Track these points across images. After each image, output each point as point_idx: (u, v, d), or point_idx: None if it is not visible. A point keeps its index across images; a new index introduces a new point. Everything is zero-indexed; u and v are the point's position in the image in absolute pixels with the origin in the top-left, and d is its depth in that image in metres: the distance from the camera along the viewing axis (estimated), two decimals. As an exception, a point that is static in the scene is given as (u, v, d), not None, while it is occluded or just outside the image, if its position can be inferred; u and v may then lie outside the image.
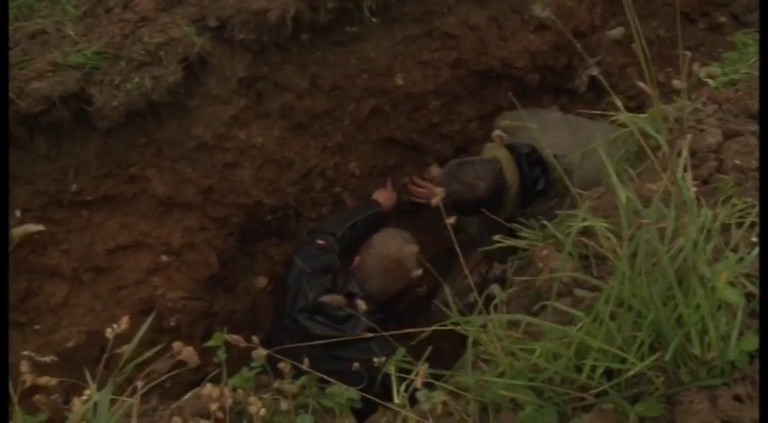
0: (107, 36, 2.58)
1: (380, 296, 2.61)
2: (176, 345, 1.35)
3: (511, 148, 2.85)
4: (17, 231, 1.12)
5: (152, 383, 1.37)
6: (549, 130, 2.94)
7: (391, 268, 2.62)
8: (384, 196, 3.24)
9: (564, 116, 3.23)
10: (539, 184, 2.80)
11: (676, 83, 1.26)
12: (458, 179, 2.78)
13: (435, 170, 3.32)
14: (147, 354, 1.32)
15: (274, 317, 2.87)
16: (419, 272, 1.99)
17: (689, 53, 1.24)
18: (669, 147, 1.26)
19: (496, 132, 2.80)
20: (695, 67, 1.35)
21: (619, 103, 1.57)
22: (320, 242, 2.86)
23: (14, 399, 1.21)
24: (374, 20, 2.86)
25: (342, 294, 2.46)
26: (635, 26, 1.10)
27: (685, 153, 1.35)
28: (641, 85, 1.17)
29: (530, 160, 2.81)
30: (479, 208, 2.73)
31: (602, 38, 3.48)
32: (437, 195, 1.52)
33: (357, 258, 2.74)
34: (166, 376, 1.49)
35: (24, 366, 1.21)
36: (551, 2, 3.22)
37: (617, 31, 3.36)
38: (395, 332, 1.53)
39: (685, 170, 1.36)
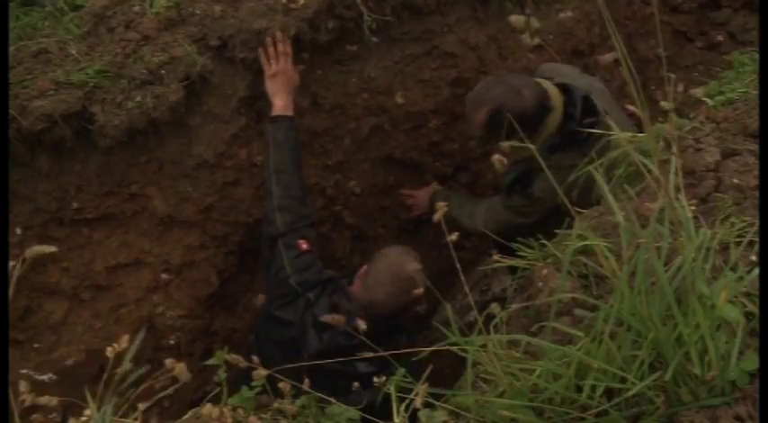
0: (109, 55, 2.60)
1: (380, 310, 2.49)
2: (169, 361, 1.35)
3: (564, 87, 2.66)
4: (29, 252, 1.12)
5: (150, 402, 1.36)
6: (597, 96, 2.74)
7: (402, 278, 2.45)
8: (280, 100, 2.70)
9: (608, 91, 3.07)
10: (583, 133, 2.55)
11: (663, 104, 1.27)
12: (503, 82, 2.59)
13: (436, 187, 3.33)
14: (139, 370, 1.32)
15: (268, 330, 2.64)
16: (421, 290, 1.94)
17: (673, 75, 1.25)
18: (664, 167, 1.26)
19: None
20: (690, 86, 1.36)
21: (614, 124, 1.58)
22: (305, 246, 2.61)
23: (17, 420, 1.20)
24: (374, 39, 2.88)
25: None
26: (622, 51, 1.11)
27: (672, 172, 1.35)
28: (631, 108, 1.18)
29: (585, 105, 2.60)
30: (519, 125, 2.48)
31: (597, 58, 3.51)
32: (439, 211, 1.51)
33: (362, 269, 2.59)
34: (164, 394, 1.49)
35: (23, 386, 1.21)
36: (550, 22, 3.25)
37: (609, 56, 3.37)
38: (395, 352, 1.53)
39: (679, 190, 1.36)
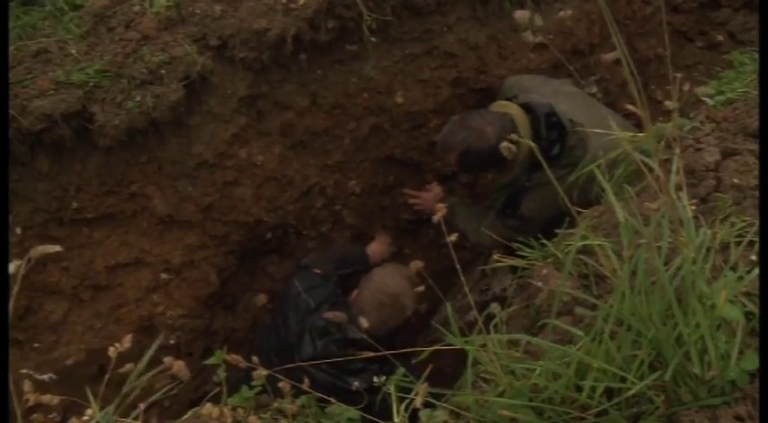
0: (109, 55, 2.60)
1: (374, 332, 2.52)
2: (167, 360, 1.35)
3: (527, 106, 2.69)
4: (34, 252, 1.12)
5: (150, 400, 1.36)
6: (564, 101, 2.77)
7: (387, 304, 2.51)
8: (378, 251, 3.23)
9: (579, 91, 3.11)
10: (553, 149, 2.61)
11: (668, 103, 1.27)
12: (465, 126, 2.63)
13: (435, 188, 3.33)
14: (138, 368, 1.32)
15: (270, 337, 2.74)
16: (410, 312, 1.93)
17: (679, 75, 1.25)
18: (664, 166, 1.26)
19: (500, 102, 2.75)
20: (694, 86, 1.37)
21: (613, 124, 1.58)
22: (317, 271, 2.79)
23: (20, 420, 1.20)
24: (374, 39, 2.88)
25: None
26: (622, 50, 1.11)
27: (673, 171, 1.35)
28: (631, 107, 1.18)
29: (548, 121, 2.63)
30: (490, 161, 2.58)
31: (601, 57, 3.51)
32: (438, 211, 1.51)
33: (355, 292, 2.66)
34: (164, 394, 1.49)
35: (27, 385, 1.21)
36: (550, 21, 3.24)
37: (612, 55, 3.37)
38: (395, 352, 1.53)
39: (680, 190, 1.36)
